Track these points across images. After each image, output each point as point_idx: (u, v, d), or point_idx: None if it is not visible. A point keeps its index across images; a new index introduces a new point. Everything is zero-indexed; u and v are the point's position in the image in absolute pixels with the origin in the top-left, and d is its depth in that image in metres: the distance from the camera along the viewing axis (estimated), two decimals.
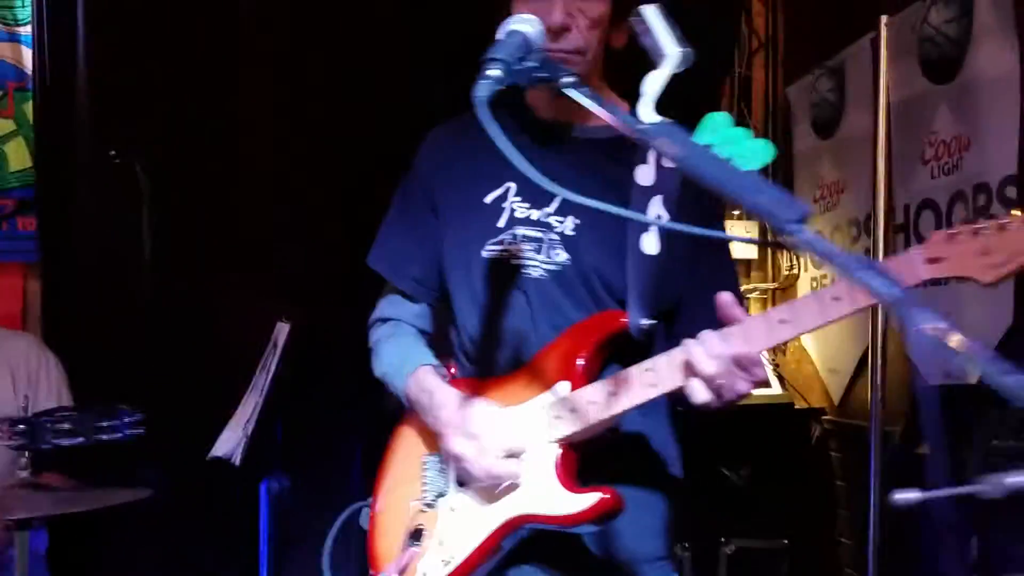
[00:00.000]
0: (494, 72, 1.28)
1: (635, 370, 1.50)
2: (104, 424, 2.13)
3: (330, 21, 3.43)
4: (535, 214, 1.69)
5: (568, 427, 1.55)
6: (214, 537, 3.14)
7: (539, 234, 1.68)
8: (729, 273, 1.74)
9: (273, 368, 2.70)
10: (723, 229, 1.82)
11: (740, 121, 4.28)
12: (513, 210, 1.70)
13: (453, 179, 1.78)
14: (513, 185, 1.72)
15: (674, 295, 1.67)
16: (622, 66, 1.77)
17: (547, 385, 1.59)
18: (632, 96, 1.30)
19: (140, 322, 3.17)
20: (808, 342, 4.02)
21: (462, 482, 1.65)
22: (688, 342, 1.42)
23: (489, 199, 1.71)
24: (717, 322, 1.43)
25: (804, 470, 3.80)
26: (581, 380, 1.56)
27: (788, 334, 1.37)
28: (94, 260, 3.29)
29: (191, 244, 3.35)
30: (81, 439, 2.10)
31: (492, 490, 1.60)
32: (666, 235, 1.64)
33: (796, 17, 4.22)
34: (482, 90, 1.25)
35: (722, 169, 1.16)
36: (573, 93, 1.33)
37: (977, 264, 1.22)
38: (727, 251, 1.79)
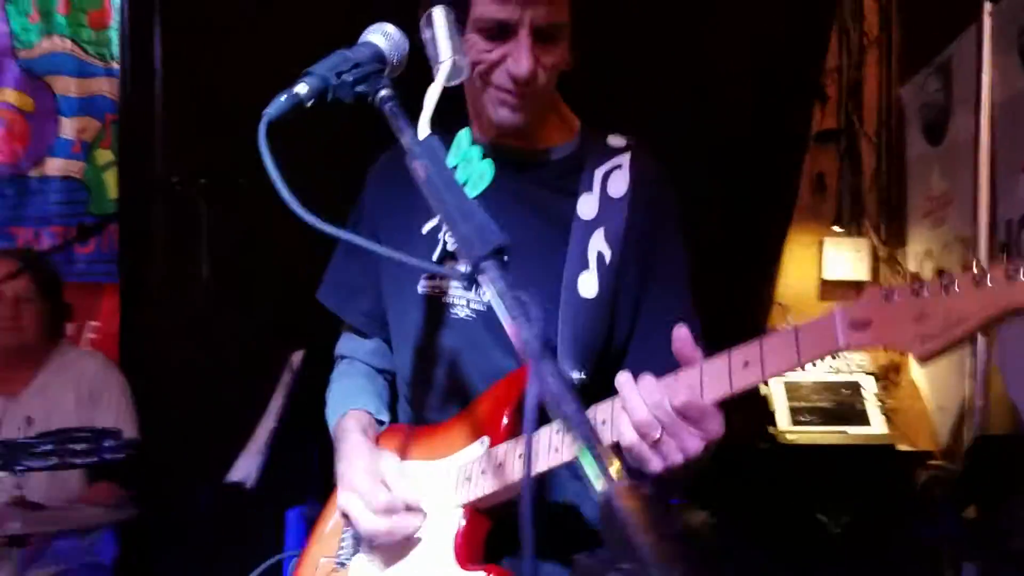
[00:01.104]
0: (301, 88, 1.18)
1: (546, 430, 1.29)
2: (79, 448, 2.16)
3: None
4: None
5: (475, 490, 1.37)
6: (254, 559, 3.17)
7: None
8: (684, 316, 1.46)
9: (287, 393, 2.68)
10: (684, 263, 1.57)
11: (848, 127, 3.85)
12: (446, 242, 1.54)
13: (393, 208, 1.63)
14: None
15: (617, 343, 1.48)
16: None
17: (471, 439, 1.43)
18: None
19: (200, 345, 3.25)
20: (919, 377, 3.55)
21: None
22: (623, 381, 1.19)
23: (426, 229, 1.57)
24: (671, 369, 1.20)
25: (907, 519, 3.36)
26: (502, 437, 1.38)
27: (751, 379, 1.10)
28: (162, 283, 3.43)
29: (250, 267, 3.41)
30: (54, 460, 2.14)
31: (394, 555, 1.43)
32: (609, 276, 1.46)
33: (910, 8, 3.73)
34: (272, 108, 1.16)
35: (451, 195, 1.06)
36: (385, 108, 1.21)
37: (909, 332, 0.97)
38: (682, 292, 1.53)
